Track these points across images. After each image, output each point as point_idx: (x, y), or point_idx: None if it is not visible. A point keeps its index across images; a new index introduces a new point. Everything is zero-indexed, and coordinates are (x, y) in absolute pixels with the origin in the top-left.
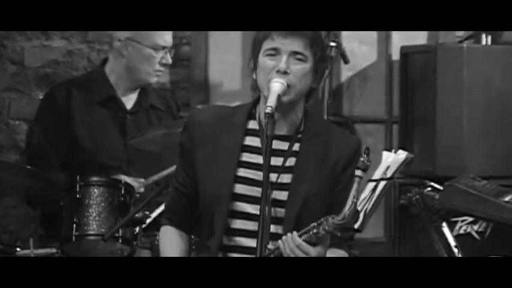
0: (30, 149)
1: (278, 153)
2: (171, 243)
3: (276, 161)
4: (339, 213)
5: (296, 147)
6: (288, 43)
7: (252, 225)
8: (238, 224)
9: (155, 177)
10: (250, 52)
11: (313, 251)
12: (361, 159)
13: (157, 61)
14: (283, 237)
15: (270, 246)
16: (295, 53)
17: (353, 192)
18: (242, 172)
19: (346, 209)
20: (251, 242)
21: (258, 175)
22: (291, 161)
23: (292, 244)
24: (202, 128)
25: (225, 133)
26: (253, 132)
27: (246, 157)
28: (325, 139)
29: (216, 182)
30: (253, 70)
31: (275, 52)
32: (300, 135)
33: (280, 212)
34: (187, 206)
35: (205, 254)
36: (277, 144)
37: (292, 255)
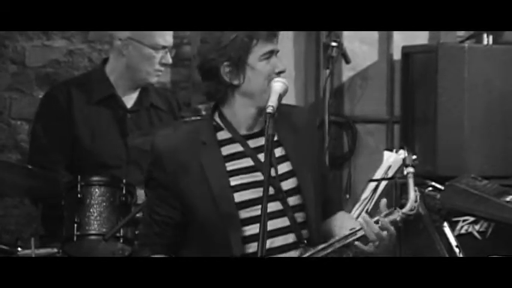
0: (32, 148)
1: (263, 149)
2: None
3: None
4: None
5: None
6: (275, 43)
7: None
8: (249, 230)
9: None
10: (227, 58)
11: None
12: (413, 157)
13: (158, 61)
14: (363, 221)
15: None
16: (277, 51)
17: (412, 186)
18: (234, 181)
19: (413, 200)
20: (270, 242)
21: (252, 176)
22: (278, 151)
23: (385, 233)
24: (173, 157)
25: (200, 154)
26: (226, 142)
27: (231, 165)
28: (288, 121)
29: (215, 200)
30: (235, 75)
31: (270, 55)
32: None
33: (294, 199)
34: (174, 236)
35: None
36: (258, 142)
37: (377, 241)
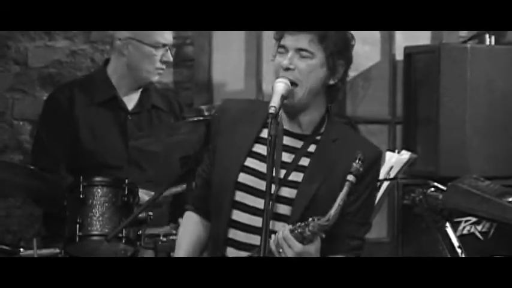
0: (35, 150)
1: (289, 149)
2: (189, 230)
3: (286, 157)
4: (351, 226)
5: (312, 148)
6: (294, 40)
7: (247, 219)
8: (235, 215)
9: (166, 193)
10: None
11: (298, 246)
12: (354, 164)
13: (158, 59)
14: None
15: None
16: (300, 49)
17: (341, 195)
18: (249, 162)
19: (332, 211)
20: (246, 237)
21: (265, 167)
22: (304, 161)
23: (281, 236)
24: (227, 117)
25: (245, 124)
26: None
27: (258, 148)
28: (344, 145)
29: (224, 170)
30: None
31: (284, 50)
32: (318, 137)
33: (284, 208)
34: (208, 194)
35: (213, 244)
36: (289, 141)
37: (279, 248)
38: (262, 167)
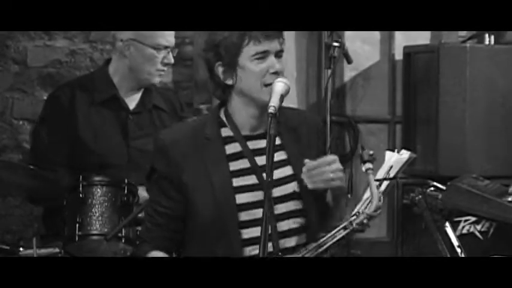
0: (34, 149)
1: (263, 151)
2: None
3: (259, 161)
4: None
5: (276, 141)
6: (273, 43)
7: (256, 232)
8: (247, 233)
9: None
10: (219, 57)
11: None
12: (369, 152)
13: (160, 61)
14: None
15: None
16: (280, 51)
17: (374, 185)
18: (237, 182)
19: (376, 200)
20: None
21: (252, 178)
22: (280, 155)
23: (333, 167)
24: (177, 150)
25: (204, 148)
26: (229, 140)
27: (233, 166)
28: (292, 126)
29: (216, 199)
30: (228, 75)
31: (264, 55)
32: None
33: (295, 203)
34: (175, 230)
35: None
36: (258, 144)
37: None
38: (249, 179)
